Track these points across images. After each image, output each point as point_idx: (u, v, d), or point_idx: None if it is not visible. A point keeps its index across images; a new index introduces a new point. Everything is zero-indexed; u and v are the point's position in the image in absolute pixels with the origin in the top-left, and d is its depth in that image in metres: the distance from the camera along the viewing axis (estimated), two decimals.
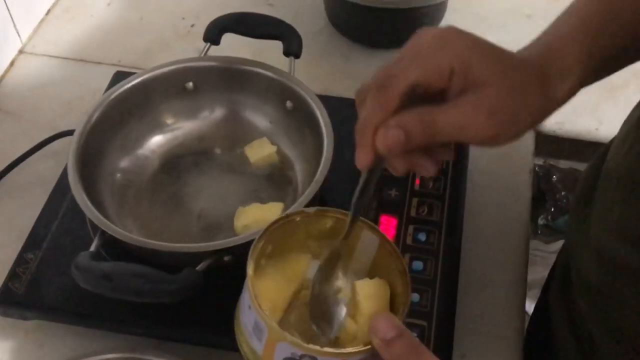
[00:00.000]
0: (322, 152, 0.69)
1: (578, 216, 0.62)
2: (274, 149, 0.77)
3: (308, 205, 0.65)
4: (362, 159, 0.48)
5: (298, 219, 0.54)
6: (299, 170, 0.76)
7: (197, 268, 0.61)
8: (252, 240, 0.63)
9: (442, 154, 0.51)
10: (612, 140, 0.59)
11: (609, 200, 0.54)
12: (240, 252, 0.64)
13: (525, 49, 0.52)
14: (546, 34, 0.53)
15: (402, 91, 0.47)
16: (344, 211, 0.53)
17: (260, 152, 0.77)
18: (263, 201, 0.73)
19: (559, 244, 0.74)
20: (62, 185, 0.75)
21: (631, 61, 0.54)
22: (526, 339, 0.72)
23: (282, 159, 0.77)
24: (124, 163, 0.76)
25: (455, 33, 0.48)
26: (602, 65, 0.52)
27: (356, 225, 0.52)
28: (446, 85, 0.47)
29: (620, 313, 0.54)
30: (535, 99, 0.49)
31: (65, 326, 0.70)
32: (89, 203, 0.65)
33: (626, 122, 0.58)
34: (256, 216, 0.70)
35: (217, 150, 0.79)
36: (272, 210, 0.70)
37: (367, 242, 0.53)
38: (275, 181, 0.76)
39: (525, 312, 0.73)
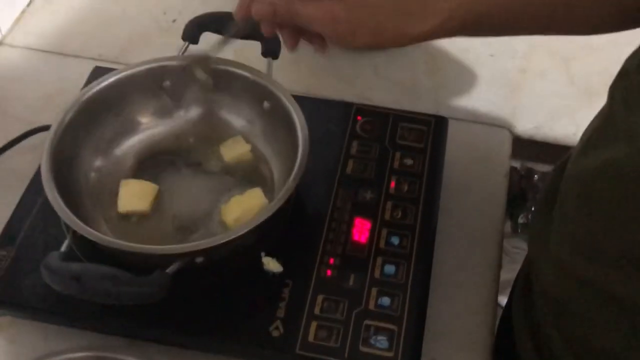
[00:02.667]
0: (297, 153, 0.69)
1: (539, 226, 0.62)
2: (248, 147, 0.77)
3: (283, 205, 0.66)
4: (238, 13, 0.62)
5: None
6: (274, 170, 0.76)
7: (167, 270, 0.61)
8: (224, 243, 0.64)
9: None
10: (572, 151, 0.60)
11: (564, 214, 0.54)
12: (212, 254, 0.65)
13: None
14: None
15: None
16: None
17: (234, 150, 0.77)
18: None
19: None
20: (37, 181, 0.74)
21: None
22: (495, 343, 0.72)
23: (257, 157, 0.77)
24: (99, 162, 0.76)
25: None
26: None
27: None
28: None
29: (581, 326, 0.54)
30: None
31: (38, 323, 0.70)
32: (61, 202, 0.65)
33: (584, 132, 0.58)
34: (242, 207, 0.71)
35: (193, 150, 0.79)
36: (253, 196, 0.72)
37: None
38: (250, 180, 0.76)
39: (497, 316, 0.74)
